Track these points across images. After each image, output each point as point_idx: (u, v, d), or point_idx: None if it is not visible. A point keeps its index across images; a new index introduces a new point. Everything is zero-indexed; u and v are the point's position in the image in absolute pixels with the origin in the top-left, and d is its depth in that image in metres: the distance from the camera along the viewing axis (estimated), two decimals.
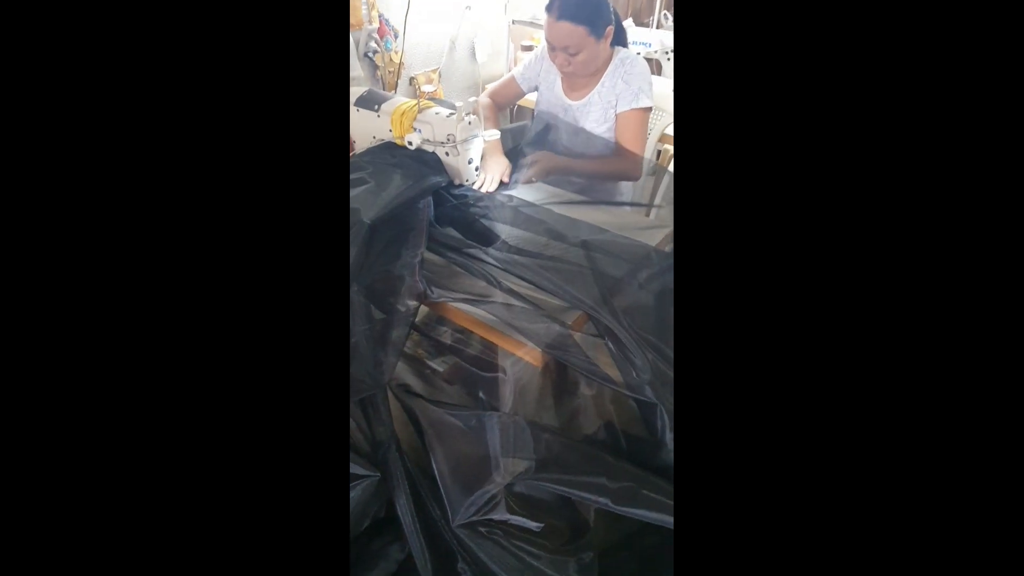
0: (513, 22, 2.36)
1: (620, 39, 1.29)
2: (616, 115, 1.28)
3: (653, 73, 1.33)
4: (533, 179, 1.21)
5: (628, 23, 2.27)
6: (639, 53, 1.69)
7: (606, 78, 1.27)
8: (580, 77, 1.28)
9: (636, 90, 1.24)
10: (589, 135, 1.29)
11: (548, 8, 1.16)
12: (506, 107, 1.51)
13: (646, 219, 1.20)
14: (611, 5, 1.20)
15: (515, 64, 1.95)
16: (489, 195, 1.14)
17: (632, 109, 1.25)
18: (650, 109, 1.27)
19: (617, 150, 1.30)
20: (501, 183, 1.19)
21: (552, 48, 1.21)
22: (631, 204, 1.36)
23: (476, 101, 1.11)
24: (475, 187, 1.17)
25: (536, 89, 1.41)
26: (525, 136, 1.32)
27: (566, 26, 1.15)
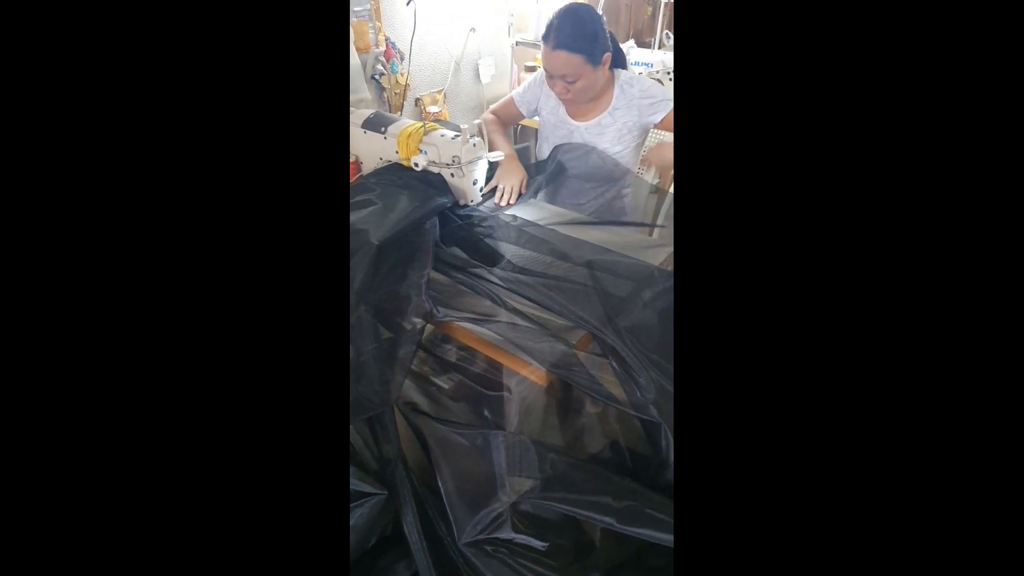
0: (517, 43, 2.40)
1: (619, 62, 1.31)
2: (658, 125, 1.32)
3: None
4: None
5: (630, 44, 2.31)
6: (640, 73, 1.71)
7: (617, 100, 1.30)
8: (580, 104, 1.31)
9: (661, 98, 1.29)
10: (602, 155, 1.31)
11: (544, 38, 1.18)
12: (509, 125, 1.53)
13: (649, 238, 1.21)
14: (607, 30, 1.22)
15: (518, 84, 1.98)
16: (494, 215, 1.16)
17: (671, 110, 1.30)
18: None
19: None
20: (520, 194, 1.21)
21: (550, 76, 1.23)
22: (635, 224, 1.37)
23: (480, 122, 1.12)
24: (495, 200, 1.19)
25: (537, 113, 1.43)
26: (531, 159, 1.34)
27: (563, 55, 1.17)
